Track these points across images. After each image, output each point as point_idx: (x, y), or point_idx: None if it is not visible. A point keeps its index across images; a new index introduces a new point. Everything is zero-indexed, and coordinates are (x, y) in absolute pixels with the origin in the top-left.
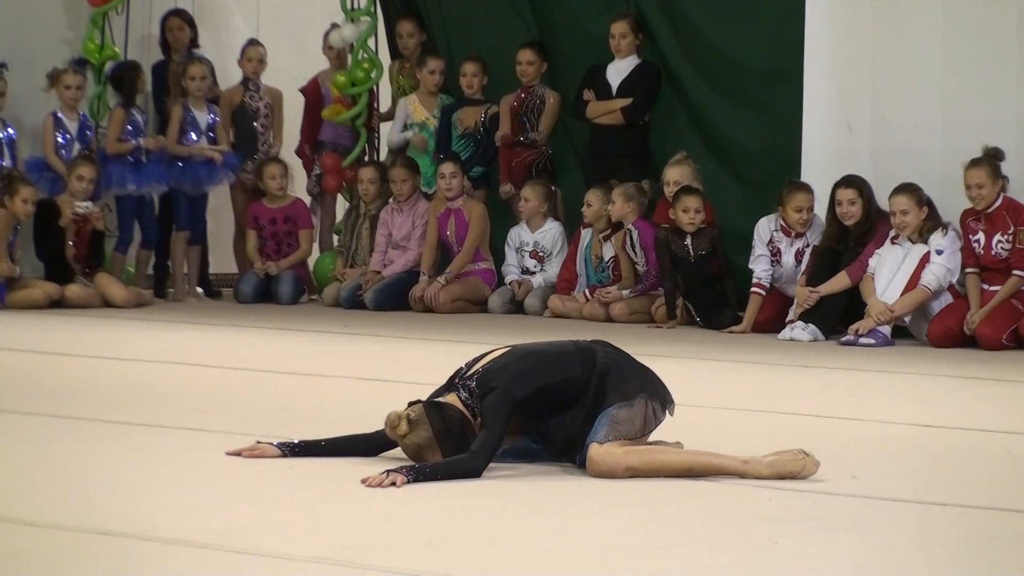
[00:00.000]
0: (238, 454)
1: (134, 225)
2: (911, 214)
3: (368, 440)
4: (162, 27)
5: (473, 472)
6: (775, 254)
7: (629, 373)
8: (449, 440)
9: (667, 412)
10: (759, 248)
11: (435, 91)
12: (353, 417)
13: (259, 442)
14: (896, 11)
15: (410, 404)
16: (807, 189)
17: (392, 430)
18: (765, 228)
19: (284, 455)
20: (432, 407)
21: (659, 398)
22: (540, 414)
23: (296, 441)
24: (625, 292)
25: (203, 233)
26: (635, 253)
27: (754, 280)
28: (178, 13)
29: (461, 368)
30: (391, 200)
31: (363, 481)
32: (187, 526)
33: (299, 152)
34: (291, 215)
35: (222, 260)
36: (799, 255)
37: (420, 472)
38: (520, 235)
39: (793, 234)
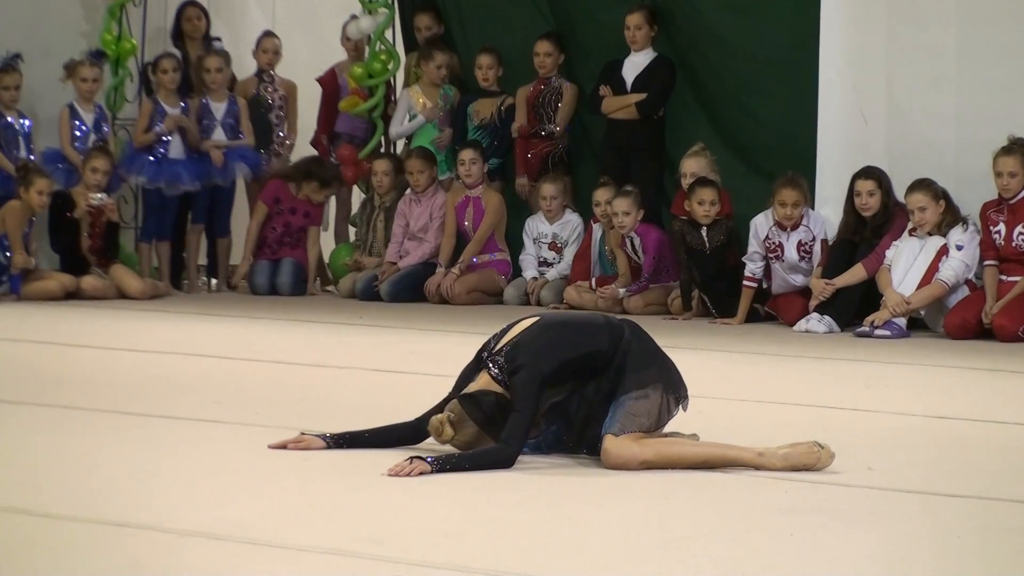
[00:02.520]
0: (283, 447)
1: (161, 216)
2: (929, 210)
3: (411, 428)
4: (178, 17)
5: (505, 461)
6: (773, 250)
7: (650, 359)
8: (494, 427)
9: (680, 407)
10: (753, 245)
11: (439, 84)
12: (369, 408)
13: (303, 433)
14: (911, 1)
15: (444, 401)
16: (795, 185)
17: (439, 437)
18: (762, 225)
19: (329, 447)
20: (467, 401)
21: (674, 391)
22: (566, 388)
23: (340, 432)
24: (621, 290)
25: (226, 227)
26: (638, 257)
27: (746, 273)
28: (194, 3)
29: (489, 341)
30: (408, 191)
31: (388, 470)
32: (203, 517)
33: (315, 143)
34: (311, 211)
35: (236, 251)
36: (801, 247)
37: (448, 463)
38: (538, 226)
39: (789, 227)
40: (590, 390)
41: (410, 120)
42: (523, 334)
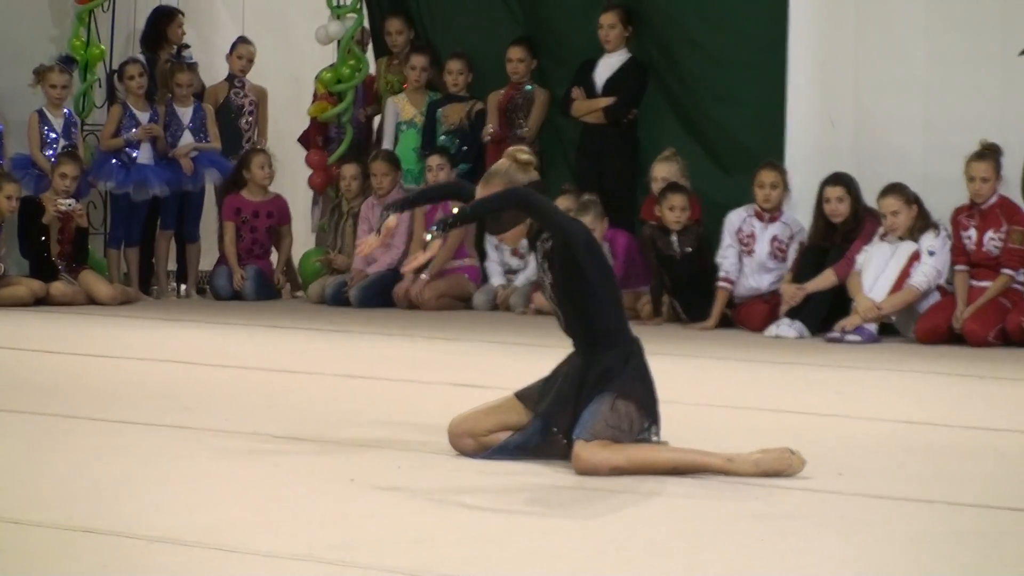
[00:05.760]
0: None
1: (130, 222)
2: (902, 214)
3: (457, 187)
4: (165, 21)
5: (523, 196)
6: (745, 243)
7: (645, 378)
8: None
9: (655, 435)
10: (727, 239)
11: (420, 87)
12: (340, 413)
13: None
14: (879, 6)
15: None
16: (774, 167)
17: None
18: (736, 217)
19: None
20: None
21: (651, 417)
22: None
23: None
24: None
25: (195, 232)
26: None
27: (721, 274)
28: (179, 11)
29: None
30: (371, 196)
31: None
32: (173, 524)
33: (305, 140)
34: (274, 210)
35: (206, 258)
36: (775, 242)
37: (461, 215)
38: None
39: (767, 218)
40: (585, 374)
41: (398, 128)
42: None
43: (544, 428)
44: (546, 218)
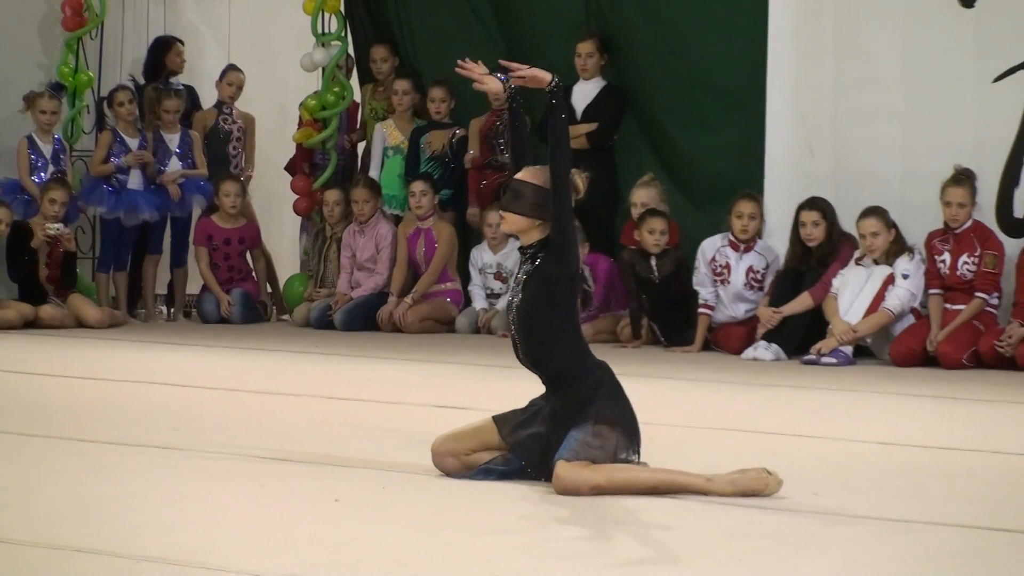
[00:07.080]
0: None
1: (118, 247)
2: (880, 236)
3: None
4: (165, 50)
5: (569, 177)
6: (719, 273)
7: (619, 399)
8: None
9: (635, 455)
10: (701, 267)
11: (406, 113)
12: (325, 434)
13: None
14: (857, 34)
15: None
16: (751, 198)
17: None
18: (710, 247)
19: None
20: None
21: (631, 439)
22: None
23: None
24: None
25: (183, 257)
26: (588, 286)
27: (700, 300)
28: (178, 40)
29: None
30: (352, 223)
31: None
32: (159, 543)
33: (291, 167)
34: (245, 236)
35: (193, 283)
36: (751, 272)
37: (561, 103)
38: (482, 256)
39: (742, 248)
40: (559, 412)
41: (384, 153)
42: None
43: (520, 468)
44: (564, 215)
